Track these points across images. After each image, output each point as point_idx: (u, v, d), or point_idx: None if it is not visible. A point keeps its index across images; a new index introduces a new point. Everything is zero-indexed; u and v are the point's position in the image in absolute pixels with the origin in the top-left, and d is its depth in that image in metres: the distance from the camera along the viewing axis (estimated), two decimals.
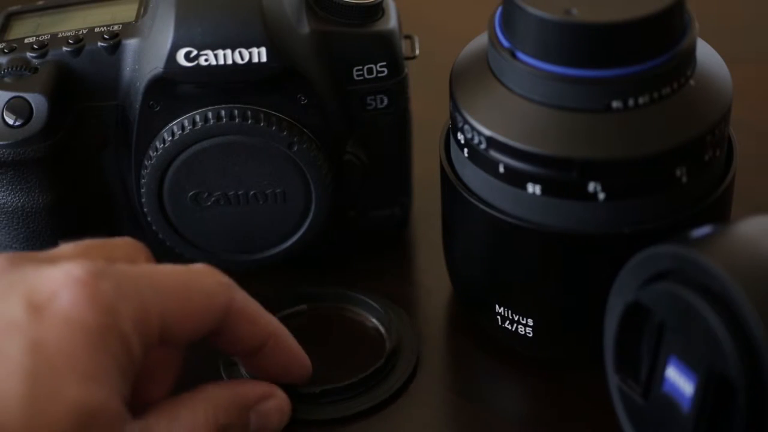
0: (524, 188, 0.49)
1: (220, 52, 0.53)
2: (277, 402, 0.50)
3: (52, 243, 0.56)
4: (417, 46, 0.59)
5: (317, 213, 0.56)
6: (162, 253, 0.52)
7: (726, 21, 0.75)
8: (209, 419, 0.46)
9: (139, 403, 0.45)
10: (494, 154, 0.49)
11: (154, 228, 0.56)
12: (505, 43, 0.49)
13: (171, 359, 0.47)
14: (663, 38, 0.48)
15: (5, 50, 0.55)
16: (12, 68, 0.54)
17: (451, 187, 0.52)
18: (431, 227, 0.59)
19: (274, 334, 0.49)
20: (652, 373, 0.45)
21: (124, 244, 0.48)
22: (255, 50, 0.53)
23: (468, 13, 0.69)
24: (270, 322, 0.49)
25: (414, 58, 0.59)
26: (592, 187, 0.48)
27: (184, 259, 0.56)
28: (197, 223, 0.56)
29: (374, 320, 0.56)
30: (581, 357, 0.53)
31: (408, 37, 0.59)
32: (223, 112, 0.53)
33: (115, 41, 0.54)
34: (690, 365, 0.43)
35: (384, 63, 0.56)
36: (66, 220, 0.56)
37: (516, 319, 0.52)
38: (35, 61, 0.54)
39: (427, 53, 0.60)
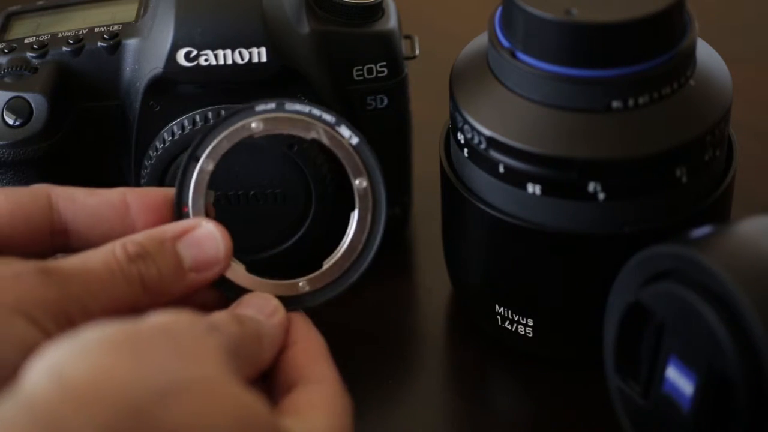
0: (524, 188, 0.49)
1: (220, 52, 0.53)
2: (205, 230, 0.46)
3: None
4: (417, 46, 0.59)
5: (317, 213, 0.56)
6: None
7: (726, 21, 0.75)
8: (116, 248, 0.44)
9: None
10: (494, 154, 0.49)
11: None
12: (505, 43, 0.49)
13: None
14: (663, 38, 0.48)
15: (5, 50, 0.55)
16: (12, 68, 0.54)
17: (451, 187, 0.52)
18: (431, 227, 0.59)
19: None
20: (652, 373, 0.44)
21: None
22: (255, 50, 0.53)
23: (468, 13, 0.69)
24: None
25: (414, 58, 0.58)
26: (592, 187, 0.48)
27: None
28: None
29: None
30: (581, 357, 0.53)
31: (408, 37, 0.59)
32: (223, 112, 0.53)
33: (115, 41, 0.54)
34: (690, 365, 0.43)
35: (384, 63, 0.56)
36: None
37: (516, 319, 0.52)
38: (35, 61, 0.54)
39: (427, 53, 0.60)
